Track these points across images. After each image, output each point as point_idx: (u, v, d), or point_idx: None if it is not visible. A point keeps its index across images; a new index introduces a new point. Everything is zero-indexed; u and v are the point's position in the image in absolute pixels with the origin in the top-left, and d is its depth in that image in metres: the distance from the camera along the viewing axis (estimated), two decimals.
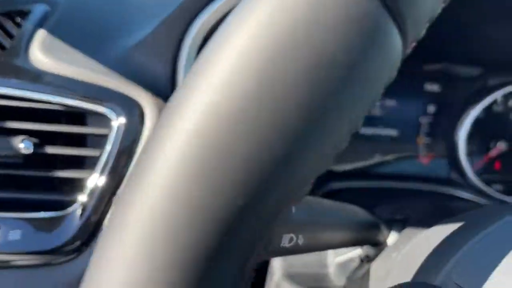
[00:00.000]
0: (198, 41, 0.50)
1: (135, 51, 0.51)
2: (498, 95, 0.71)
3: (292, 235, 0.35)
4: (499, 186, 0.78)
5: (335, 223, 0.38)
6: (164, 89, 0.50)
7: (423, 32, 0.22)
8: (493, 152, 0.77)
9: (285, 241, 0.35)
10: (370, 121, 0.78)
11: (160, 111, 0.49)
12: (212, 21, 0.48)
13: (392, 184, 0.74)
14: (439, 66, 0.78)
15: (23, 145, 0.44)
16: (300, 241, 0.36)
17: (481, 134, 0.78)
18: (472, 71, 0.76)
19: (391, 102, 0.79)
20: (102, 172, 0.45)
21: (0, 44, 0.50)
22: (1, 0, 0.54)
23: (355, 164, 0.79)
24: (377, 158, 0.79)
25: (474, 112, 0.73)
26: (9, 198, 0.44)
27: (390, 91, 0.79)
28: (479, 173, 0.77)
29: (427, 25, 0.22)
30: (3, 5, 0.54)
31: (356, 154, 0.79)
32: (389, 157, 0.80)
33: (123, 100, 0.48)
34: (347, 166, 0.79)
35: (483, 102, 0.72)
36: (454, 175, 0.78)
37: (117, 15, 0.56)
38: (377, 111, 0.79)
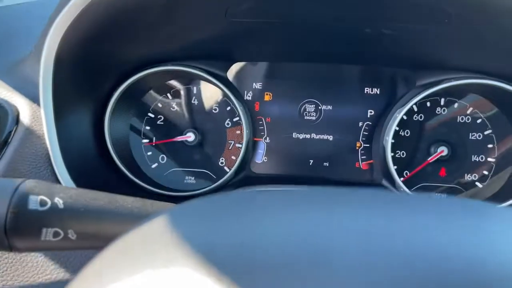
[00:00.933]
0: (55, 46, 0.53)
1: (20, 65, 0.57)
2: (426, 93, 0.66)
3: (57, 229, 0.37)
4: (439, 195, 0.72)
5: (112, 216, 0.39)
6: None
7: None
8: (431, 158, 0.71)
9: (49, 236, 0.37)
10: (307, 126, 0.77)
11: (33, 113, 0.54)
12: (65, 23, 0.51)
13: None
14: (377, 70, 0.74)
15: None
16: (72, 236, 0.38)
17: (417, 138, 0.73)
18: (405, 72, 0.72)
19: (327, 106, 0.77)
20: None
21: None
22: None
23: (291, 169, 0.78)
24: (315, 163, 0.77)
25: (398, 114, 0.68)
26: None
27: (328, 94, 0.77)
28: (413, 180, 0.72)
29: None
30: None
31: (293, 159, 0.78)
32: (327, 163, 0.77)
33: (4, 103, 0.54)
34: (281, 170, 0.78)
35: (410, 103, 0.67)
36: (385, 182, 0.74)
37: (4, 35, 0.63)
38: (313, 116, 0.77)
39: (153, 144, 0.75)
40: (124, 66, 0.64)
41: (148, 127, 0.75)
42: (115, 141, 0.68)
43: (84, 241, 0.39)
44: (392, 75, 0.74)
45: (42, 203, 0.37)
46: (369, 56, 0.71)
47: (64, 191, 0.39)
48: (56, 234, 0.38)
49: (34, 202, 0.37)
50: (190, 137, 0.74)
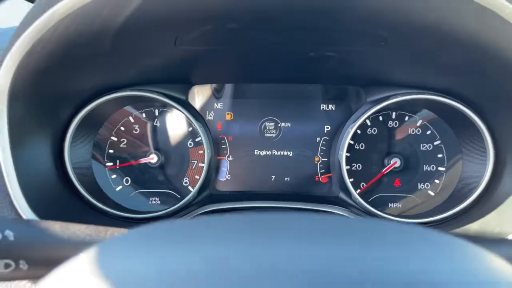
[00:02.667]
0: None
1: None
2: (375, 109, 0.70)
3: (8, 261, 0.39)
4: (395, 205, 0.76)
5: (63, 244, 0.41)
6: None
7: None
8: (385, 170, 0.74)
9: (0, 267, 0.38)
10: (267, 143, 0.80)
11: None
12: (18, 56, 0.52)
13: (279, 204, 0.74)
14: (331, 88, 0.78)
15: None
16: (24, 266, 0.39)
17: (371, 151, 0.76)
18: (356, 89, 0.75)
19: (286, 124, 0.80)
20: None
21: None
22: None
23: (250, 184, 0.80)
24: (277, 178, 0.80)
25: (351, 129, 0.72)
26: None
27: (287, 112, 0.80)
28: (369, 191, 0.76)
29: None
30: None
31: (255, 175, 0.80)
32: (288, 178, 0.80)
33: None
34: (240, 187, 0.80)
35: (361, 118, 0.71)
36: (342, 194, 0.77)
37: None
38: (273, 133, 0.80)
39: (117, 167, 0.77)
40: (80, 94, 0.65)
41: (111, 151, 0.77)
42: (77, 167, 0.69)
43: (36, 270, 0.40)
44: (344, 92, 0.78)
45: None
46: (321, 75, 0.74)
47: (14, 223, 0.40)
48: (7, 266, 0.39)
49: None
50: (153, 158, 0.76)
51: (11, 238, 0.39)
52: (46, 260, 0.40)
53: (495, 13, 0.43)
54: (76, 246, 0.41)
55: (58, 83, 0.56)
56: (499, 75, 0.52)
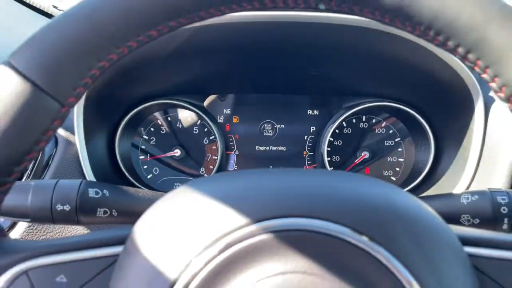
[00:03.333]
0: None
1: None
2: (348, 113, 0.92)
3: (106, 209, 0.59)
4: None
5: (139, 200, 0.62)
6: None
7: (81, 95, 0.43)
8: (358, 160, 0.96)
9: (101, 213, 0.59)
10: (266, 141, 1.01)
11: (67, 138, 0.76)
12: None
13: None
14: (316, 97, 1.00)
15: None
16: (115, 214, 0.60)
17: (347, 146, 0.98)
18: (335, 98, 0.98)
19: (281, 125, 1.02)
20: None
21: None
22: None
23: None
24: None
25: (331, 129, 0.94)
26: None
27: (280, 116, 1.02)
28: None
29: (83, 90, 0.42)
30: None
31: (256, 166, 1.02)
32: (282, 167, 1.02)
33: None
34: None
35: (338, 120, 0.93)
36: None
37: None
38: (270, 133, 1.01)
39: (148, 159, 0.97)
40: (129, 102, 0.87)
41: (143, 146, 0.97)
42: (122, 158, 0.90)
43: (122, 218, 0.61)
44: (326, 100, 1.00)
45: (96, 193, 0.59)
46: (308, 88, 0.96)
47: (109, 186, 0.61)
48: (105, 212, 0.60)
49: (92, 192, 0.59)
50: (177, 152, 0.97)
51: (107, 194, 0.60)
52: (128, 211, 0.61)
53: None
54: (145, 201, 0.62)
55: (118, 92, 0.77)
56: (431, 87, 0.74)
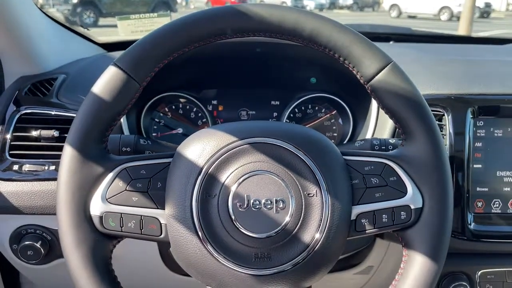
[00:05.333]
0: None
1: None
2: (297, 102, 1.34)
3: (150, 151, 0.99)
4: None
5: (167, 150, 1.02)
6: None
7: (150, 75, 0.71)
8: None
9: (147, 153, 0.99)
10: None
11: None
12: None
13: None
14: (276, 91, 1.42)
15: None
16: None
17: None
18: (288, 92, 1.40)
19: (253, 112, 1.43)
20: None
21: (44, 92, 1.16)
22: (45, 73, 1.22)
23: None
24: None
25: (286, 114, 1.36)
26: None
27: (252, 105, 1.43)
28: None
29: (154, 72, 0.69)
30: (45, 76, 1.21)
31: None
32: None
33: None
34: None
35: (290, 107, 1.36)
36: None
37: None
38: (245, 117, 1.43)
39: (158, 135, 1.37)
40: (153, 90, 1.27)
41: (155, 127, 1.37)
42: (145, 132, 1.29)
43: None
44: (284, 94, 1.40)
45: (144, 141, 0.98)
46: (271, 84, 1.38)
47: (147, 139, 1.00)
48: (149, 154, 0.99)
49: (142, 141, 0.98)
50: (180, 130, 1.36)
51: (150, 142, 0.97)
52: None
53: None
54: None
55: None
56: (343, 81, 1.18)
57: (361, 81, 0.68)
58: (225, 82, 1.26)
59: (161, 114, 1.34)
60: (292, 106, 1.33)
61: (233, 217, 0.63)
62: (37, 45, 1.17)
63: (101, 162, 0.65)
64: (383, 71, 0.64)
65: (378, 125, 1.13)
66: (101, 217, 0.64)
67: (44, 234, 1.03)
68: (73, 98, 1.12)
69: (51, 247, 1.04)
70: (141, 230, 0.65)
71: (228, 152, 0.65)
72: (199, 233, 0.62)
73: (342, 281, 1.25)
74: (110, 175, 0.65)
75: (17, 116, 1.03)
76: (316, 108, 1.37)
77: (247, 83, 1.26)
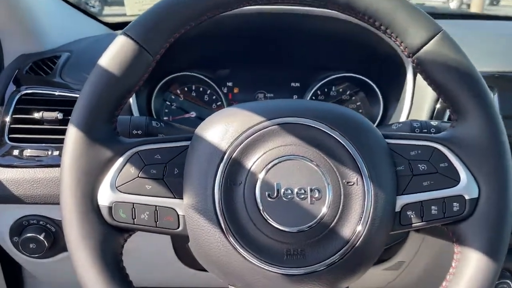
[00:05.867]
0: None
1: None
2: (320, 83, 1.24)
3: (162, 135, 0.89)
4: None
5: (182, 132, 0.92)
6: None
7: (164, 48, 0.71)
8: None
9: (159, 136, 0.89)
10: None
11: None
12: None
13: None
14: (296, 72, 1.32)
15: None
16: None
17: None
18: (309, 72, 1.29)
19: (271, 94, 1.33)
20: None
21: (46, 71, 1.07)
22: (47, 51, 1.12)
23: None
24: None
25: (307, 97, 1.25)
26: None
27: (270, 87, 1.33)
28: None
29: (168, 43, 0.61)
30: (47, 54, 1.11)
31: None
32: None
33: None
34: None
35: (313, 89, 1.25)
36: None
37: None
38: (262, 99, 1.32)
39: (170, 119, 1.27)
40: (160, 73, 1.17)
41: (166, 110, 1.27)
42: (156, 114, 1.20)
43: None
44: (305, 75, 1.30)
45: (156, 124, 0.89)
46: (291, 64, 1.28)
47: (161, 122, 0.91)
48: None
49: (154, 123, 0.88)
50: (193, 114, 1.27)
51: (156, 125, 0.87)
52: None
53: None
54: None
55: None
56: (377, 59, 1.07)
57: (405, 53, 0.61)
58: (241, 61, 1.24)
59: (173, 96, 1.24)
60: (314, 88, 1.23)
61: (261, 207, 0.56)
62: (39, 21, 1.10)
63: (110, 145, 0.58)
64: (432, 41, 0.57)
65: (414, 106, 1.03)
66: (110, 208, 0.57)
67: (48, 225, 0.95)
68: (78, 77, 1.03)
69: (55, 240, 0.96)
70: (156, 222, 0.59)
71: (255, 134, 0.58)
72: (222, 226, 0.56)
73: (369, 277, 1.15)
74: (120, 160, 0.58)
75: (17, 96, 0.95)
76: (341, 90, 1.27)
77: (265, 63, 1.19)
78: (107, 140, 0.58)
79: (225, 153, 0.58)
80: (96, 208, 0.57)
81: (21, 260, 1.04)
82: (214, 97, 1.28)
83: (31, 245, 0.93)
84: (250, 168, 0.57)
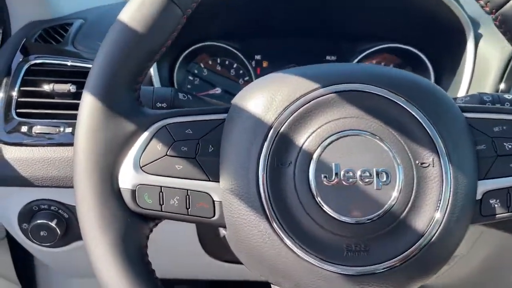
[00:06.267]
0: None
1: None
2: (361, 56, 1.11)
3: (188, 108, 0.78)
4: None
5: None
6: None
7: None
8: None
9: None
10: None
11: None
12: None
13: None
14: (332, 43, 1.19)
15: None
16: None
17: None
18: (347, 44, 1.16)
19: None
20: None
21: (58, 39, 0.96)
22: (58, 18, 1.01)
23: None
24: None
25: None
26: None
27: (303, 61, 1.20)
28: None
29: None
30: (59, 21, 1.01)
31: None
32: None
33: None
34: None
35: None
36: None
37: None
38: None
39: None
40: (183, 43, 1.06)
41: (189, 86, 1.16)
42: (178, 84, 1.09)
43: None
44: (342, 47, 1.18)
45: (184, 96, 0.77)
46: (326, 34, 1.15)
47: (184, 93, 0.79)
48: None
49: (181, 96, 0.77)
50: (217, 90, 1.15)
51: (183, 98, 0.77)
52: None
53: None
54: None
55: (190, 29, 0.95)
56: (431, 27, 0.93)
57: (486, 9, 0.51)
58: (271, 31, 1.13)
59: (198, 68, 1.14)
60: (353, 61, 1.10)
61: (315, 193, 0.48)
62: None
63: (133, 117, 0.51)
64: None
65: (475, 79, 0.89)
66: (133, 192, 0.50)
67: (60, 211, 0.85)
68: (93, 46, 0.93)
69: (68, 227, 0.86)
70: (188, 209, 0.51)
71: (307, 104, 0.50)
72: (268, 215, 0.48)
73: None
74: (145, 135, 0.51)
75: (26, 67, 0.87)
76: (384, 63, 1.14)
77: (297, 32, 1.13)
78: (129, 111, 0.51)
79: (271, 127, 0.49)
80: (116, 192, 0.49)
81: (31, 248, 0.95)
82: (241, 71, 1.17)
83: (41, 233, 0.83)
84: (302, 146, 0.49)
